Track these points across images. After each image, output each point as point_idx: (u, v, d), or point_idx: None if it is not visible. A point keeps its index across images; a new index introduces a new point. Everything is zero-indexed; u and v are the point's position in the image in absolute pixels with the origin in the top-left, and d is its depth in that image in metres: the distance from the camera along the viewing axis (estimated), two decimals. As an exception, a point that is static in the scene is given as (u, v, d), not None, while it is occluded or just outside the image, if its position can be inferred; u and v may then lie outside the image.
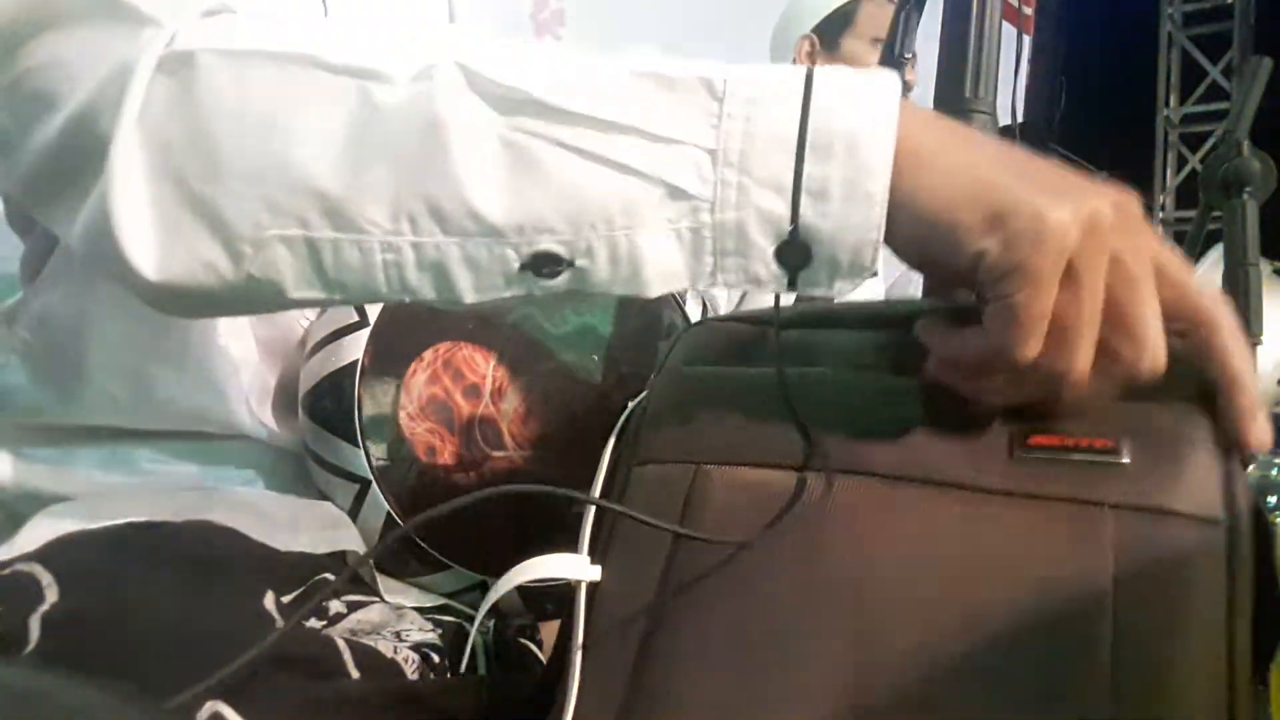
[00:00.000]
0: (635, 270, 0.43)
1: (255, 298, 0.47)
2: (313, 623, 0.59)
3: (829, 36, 1.69)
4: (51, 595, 0.51)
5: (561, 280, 0.44)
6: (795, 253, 0.42)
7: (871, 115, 0.41)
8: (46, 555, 0.55)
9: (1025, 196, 0.39)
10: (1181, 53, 5.87)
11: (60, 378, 0.70)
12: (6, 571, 0.54)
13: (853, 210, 0.41)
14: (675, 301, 0.83)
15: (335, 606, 0.62)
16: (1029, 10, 5.15)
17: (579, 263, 0.43)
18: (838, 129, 0.41)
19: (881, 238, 0.41)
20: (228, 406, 0.72)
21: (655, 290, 0.44)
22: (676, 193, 0.42)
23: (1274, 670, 0.61)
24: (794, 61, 1.73)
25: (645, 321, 0.82)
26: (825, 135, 0.41)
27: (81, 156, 0.44)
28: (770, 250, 0.42)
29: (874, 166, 0.40)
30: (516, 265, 0.43)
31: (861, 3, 1.68)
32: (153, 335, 0.69)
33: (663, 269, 0.44)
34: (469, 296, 0.45)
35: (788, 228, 0.42)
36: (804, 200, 0.41)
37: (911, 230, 0.41)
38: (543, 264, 0.43)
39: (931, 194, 0.41)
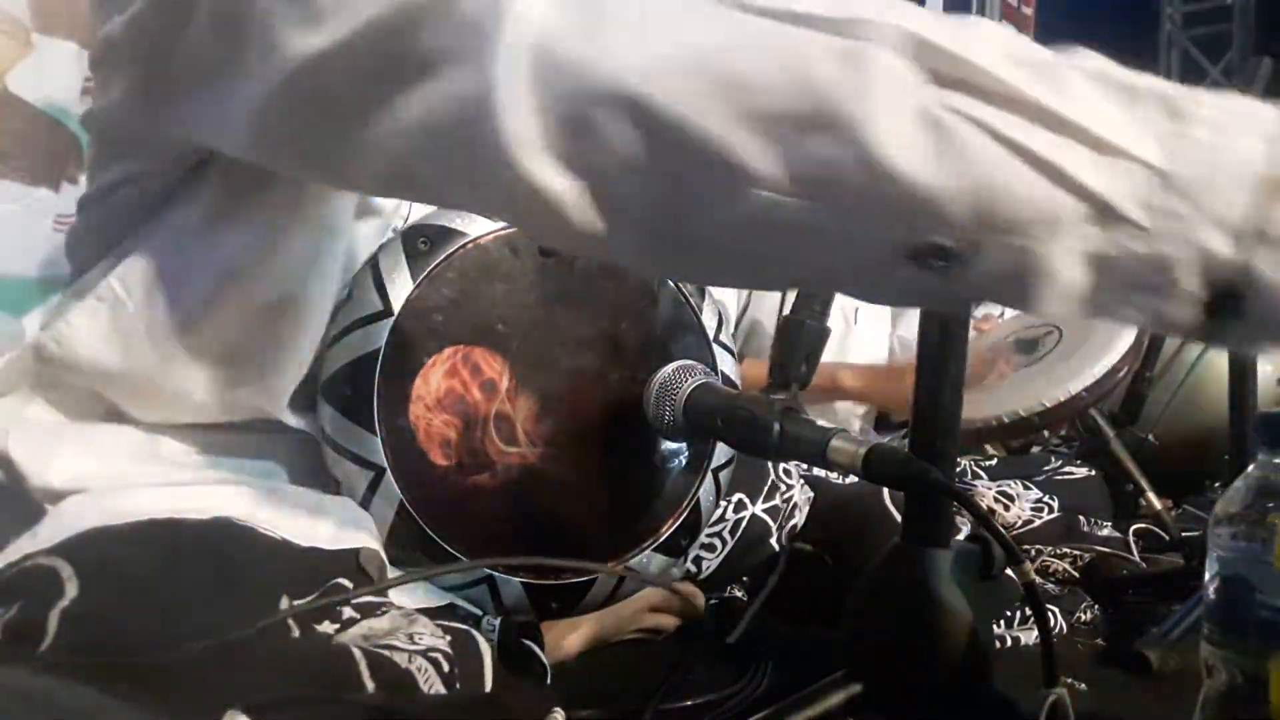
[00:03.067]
0: (1027, 287, 0.37)
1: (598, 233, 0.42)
2: (326, 626, 0.60)
3: None
4: (72, 590, 0.51)
5: (936, 275, 0.38)
6: (1227, 303, 0.36)
7: None
8: (68, 549, 0.55)
9: None
10: (1181, 53, 5.87)
11: (142, 360, 0.70)
12: (29, 564, 0.55)
13: None
14: (690, 305, 0.84)
15: (347, 611, 0.63)
16: (1028, 10, 5.16)
17: (970, 259, 0.37)
18: None
19: None
20: (281, 407, 0.74)
21: (1037, 310, 0.38)
22: (1109, 213, 0.36)
23: (1273, 668, 0.61)
24: None
25: (659, 324, 0.83)
26: None
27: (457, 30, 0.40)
28: (1202, 296, 0.36)
29: None
30: (903, 251, 0.37)
31: None
32: (258, 354, 0.71)
33: (1061, 292, 0.37)
34: (843, 281, 0.41)
35: (1227, 275, 0.36)
36: (1260, 249, 0.35)
37: None
38: (926, 254, 0.37)
39: None
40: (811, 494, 1.08)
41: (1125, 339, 1.48)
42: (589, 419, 0.78)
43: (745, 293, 1.60)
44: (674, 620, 0.94)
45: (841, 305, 1.59)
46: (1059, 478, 1.51)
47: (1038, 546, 1.34)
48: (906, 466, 0.62)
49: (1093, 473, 1.53)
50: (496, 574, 0.73)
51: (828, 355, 1.54)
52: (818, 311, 0.81)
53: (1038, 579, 1.20)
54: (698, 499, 0.83)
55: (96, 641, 0.48)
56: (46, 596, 0.51)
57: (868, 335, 1.69)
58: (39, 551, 0.56)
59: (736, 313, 1.61)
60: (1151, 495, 1.50)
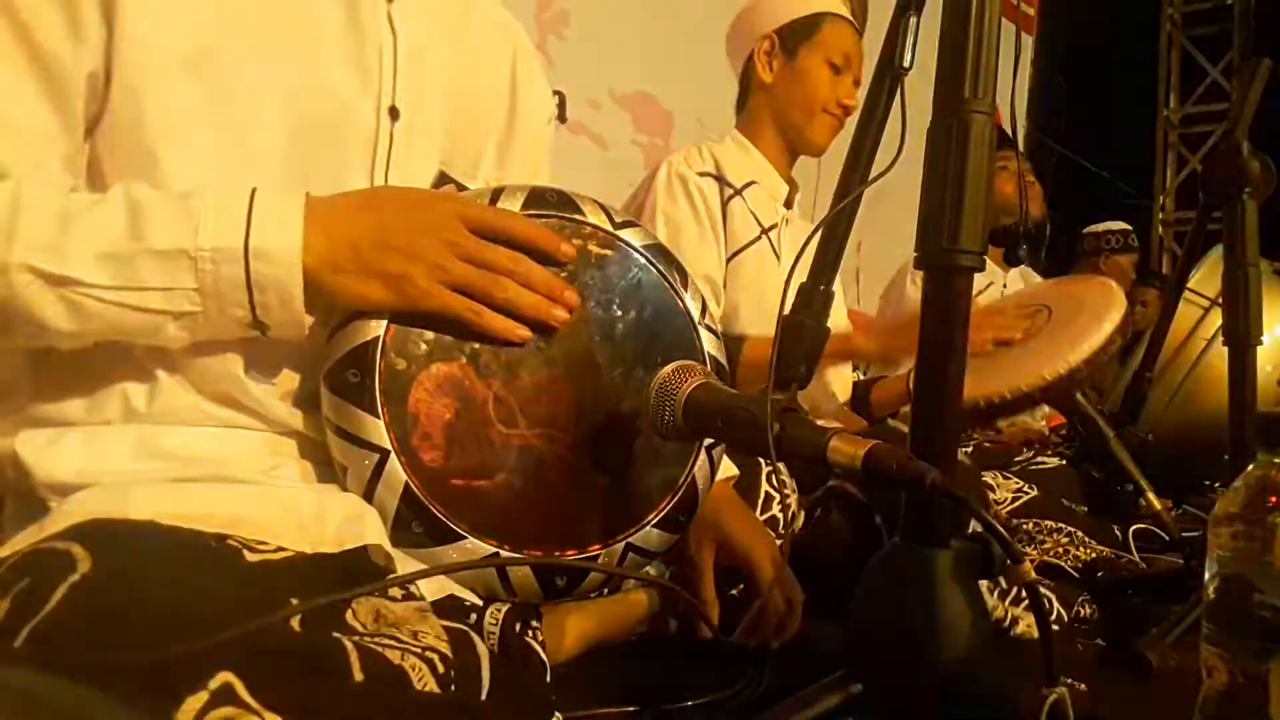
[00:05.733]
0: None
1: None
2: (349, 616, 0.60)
3: (789, 42, 1.70)
4: (83, 567, 0.52)
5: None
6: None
7: (286, 269, 0.67)
8: (80, 533, 0.56)
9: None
10: (1181, 53, 5.87)
11: (150, 368, 0.73)
12: (43, 547, 0.55)
13: (284, 311, 0.69)
14: (674, 290, 0.85)
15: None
16: (1030, 10, 5.15)
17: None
18: (268, 280, 0.68)
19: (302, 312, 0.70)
20: (276, 408, 0.77)
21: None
22: (181, 316, 0.68)
23: (1273, 670, 0.61)
24: (751, 58, 1.74)
25: (651, 311, 0.84)
26: (261, 281, 0.67)
27: None
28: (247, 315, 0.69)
29: (291, 293, 0.68)
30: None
31: (826, 19, 1.68)
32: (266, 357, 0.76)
33: (173, 338, 0.70)
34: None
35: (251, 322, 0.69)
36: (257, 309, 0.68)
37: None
38: None
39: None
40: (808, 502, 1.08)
41: (1115, 313, 1.49)
42: (584, 400, 0.79)
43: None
44: (674, 623, 0.94)
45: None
46: (1033, 467, 1.54)
47: (1035, 520, 1.35)
48: (906, 466, 0.62)
49: (1063, 462, 1.56)
50: (504, 553, 0.74)
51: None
52: (818, 311, 0.81)
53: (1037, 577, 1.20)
54: (693, 476, 0.84)
55: (99, 615, 0.48)
56: (59, 572, 0.51)
57: (834, 324, 1.70)
58: (50, 536, 0.56)
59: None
60: (1151, 495, 1.50)
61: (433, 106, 0.84)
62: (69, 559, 0.52)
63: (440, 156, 0.86)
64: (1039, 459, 1.56)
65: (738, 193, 1.65)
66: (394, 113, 0.80)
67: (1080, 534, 1.34)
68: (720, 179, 1.66)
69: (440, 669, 0.57)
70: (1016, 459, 1.56)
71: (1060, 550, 1.33)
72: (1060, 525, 1.35)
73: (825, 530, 0.98)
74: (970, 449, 1.62)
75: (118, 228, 0.66)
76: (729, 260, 1.64)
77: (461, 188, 0.86)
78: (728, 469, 0.97)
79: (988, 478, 1.46)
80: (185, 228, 0.66)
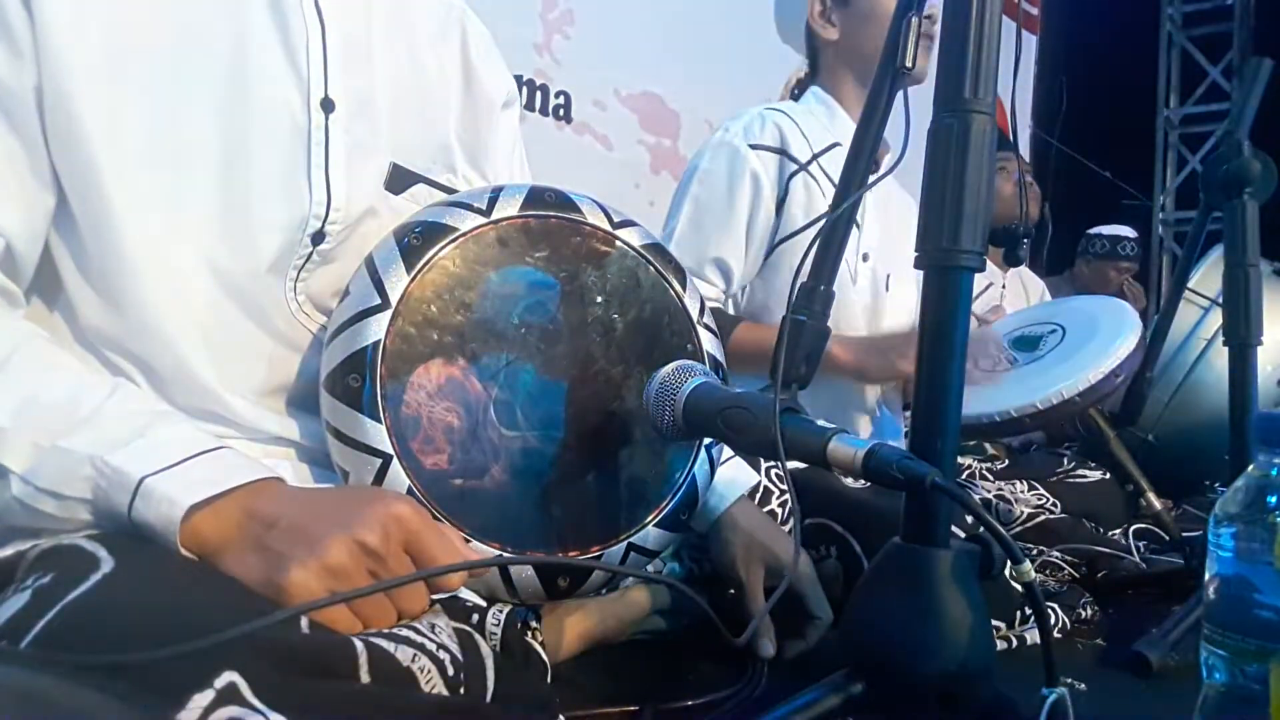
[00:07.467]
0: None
1: None
2: None
3: None
4: (106, 567, 0.52)
5: None
6: None
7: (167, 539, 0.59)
8: (101, 536, 0.57)
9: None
10: (1181, 53, 5.87)
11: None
12: (65, 543, 0.56)
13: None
14: (673, 290, 0.85)
15: None
16: (1034, 9, 5.15)
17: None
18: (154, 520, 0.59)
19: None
20: (263, 419, 0.78)
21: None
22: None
23: (1273, 669, 0.61)
24: (809, 27, 1.57)
25: (651, 311, 0.84)
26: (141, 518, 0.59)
27: None
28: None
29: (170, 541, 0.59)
30: None
31: None
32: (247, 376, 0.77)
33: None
34: None
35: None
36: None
37: None
38: None
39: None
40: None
41: (1125, 345, 1.47)
42: (584, 401, 0.79)
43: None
44: (662, 621, 0.94)
45: (874, 270, 1.54)
46: (1070, 480, 1.49)
47: (1040, 548, 1.34)
48: (906, 467, 0.62)
49: (1106, 476, 1.51)
50: (506, 554, 0.74)
51: (862, 320, 1.50)
52: (818, 311, 0.81)
53: (1038, 577, 1.19)
54: (693, 475, 0.84)
55: (115, 614, 0.49)
56: (82, 570, 0.51)
57: (899, 301, 1.63)
58: (77, 534, 0.57)
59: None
60: (1151, 495, 1.50)
61: (376, 98, 0.80)
62: (93, 560, 0.53)
63: (393, 150, 0.82)
64: (1080, 470, 1.52)
65: (803, 168, 1.48)
66: (328, 104, 0.76)
67: (1080, 571, 1.32)
68: (783, 153, 1.49)
69: (450, 671, 0.58)
70: (1057, 469, 1.52)
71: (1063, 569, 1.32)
72: (1066, 556, 1.33)
73: (820, 573, 0.97)
74: (1007, 461, 1.58)
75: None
76: (776, 245, 1.49)
77: (422, 180, 0.85)
78: (748, 474, 0.97)
79: (1008, 489, 1.43)
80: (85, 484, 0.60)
